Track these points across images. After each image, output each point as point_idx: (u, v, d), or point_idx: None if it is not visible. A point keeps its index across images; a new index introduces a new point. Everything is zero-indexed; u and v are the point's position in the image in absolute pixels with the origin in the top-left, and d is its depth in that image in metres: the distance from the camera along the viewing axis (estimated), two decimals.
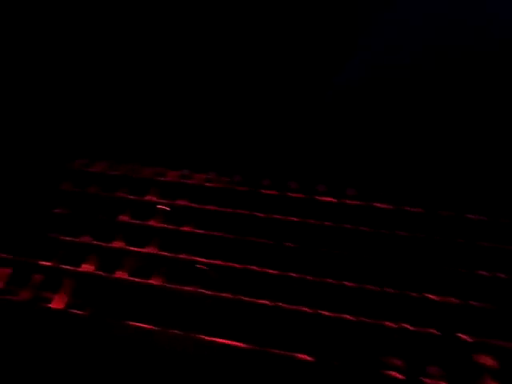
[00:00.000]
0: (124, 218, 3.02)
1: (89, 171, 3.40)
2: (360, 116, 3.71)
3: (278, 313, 2.43)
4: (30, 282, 2.68)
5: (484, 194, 3.04)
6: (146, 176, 3.31)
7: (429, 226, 2.84)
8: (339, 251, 2.71)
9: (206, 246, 2.80)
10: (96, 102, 4.13)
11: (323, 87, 3.89)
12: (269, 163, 3.40)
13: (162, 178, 3.29)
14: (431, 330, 2.32)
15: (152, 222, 2.97)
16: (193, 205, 3.09)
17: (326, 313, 2.41)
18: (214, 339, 2.35)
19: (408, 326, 2.34)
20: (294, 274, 2.57)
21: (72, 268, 2.71)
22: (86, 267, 2.71)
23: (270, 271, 2.61)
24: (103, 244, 2.83)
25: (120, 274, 2.66)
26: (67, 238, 2.87)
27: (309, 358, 2.26)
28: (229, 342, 2.34)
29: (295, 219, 2.91)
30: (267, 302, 2.46)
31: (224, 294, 2.50)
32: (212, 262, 2.68)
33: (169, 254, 2.75)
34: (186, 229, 2.91)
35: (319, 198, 3.03)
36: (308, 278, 2.55)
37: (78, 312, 2.52)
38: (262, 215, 2.95)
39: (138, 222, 2.98)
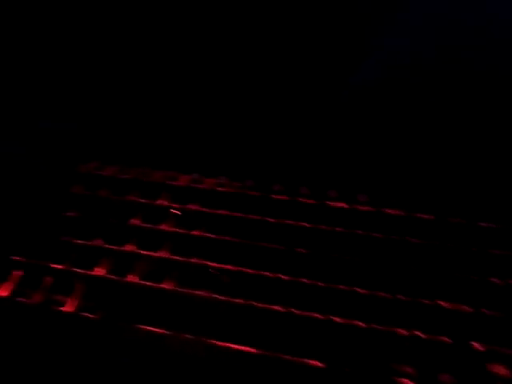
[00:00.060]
0: (135, 221, 3.02)
1: (100, 174, 3.41)
2: (374, 118, 3.70)
3: (290, 319, 2.43)
4: (41, 285, 2.69)
5: (496, 202, 3.03)
6: (157, 180, 3.31)
7: (440, 233, 2.84)
8: (351, 257, 2.70)
9: (217, 251, 2.81)
10: (108, 105, 4.14)
11: (339, 87, 3.88)
12: (280, 168, 3.40)
13: (173, 182, 3.30)
14: (443, 338, 2.31)
15: (163, 226, 2.98)
16: (204, 209, 3.10)
17: (338, 319, 2.41)
18: (225, 344, 2.35)
19: (420, 334, 2.33)
20: (306, 280, 2.57)
21: (84, 271, 2.72)
22: (98, 271, 2.72)
23: (283, 277, 2.60)
24: (115, 247, 2.84)
25: (132, 278, 2.67)
26: (79, 241, 2.88)
27: (320, 365, 2.26)
28: (240, 347, 2.34)
29: (307, 225, 2.90)
30: (279, 308, 2.46)
31: (236, 300, 2.50)
32: (224, 266, 2.68)
33: (180, 259, 2.75)
34: (197, 233, 2.91)
35: (330, 204, 3.03)
36: (320, 284, 2.55)
37: (90, 315, 2.53)
38: (273, 220, 2.95)
39: (149, 225, 2.98)
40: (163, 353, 2.37)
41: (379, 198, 3.08)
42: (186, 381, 2.28)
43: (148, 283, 2.64)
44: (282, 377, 2.25)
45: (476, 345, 2.29)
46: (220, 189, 3.23)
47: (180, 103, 4.08)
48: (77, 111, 4.11)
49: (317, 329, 2.39)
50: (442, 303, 2.48)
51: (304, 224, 2.91)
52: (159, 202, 3.16)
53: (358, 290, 2.52)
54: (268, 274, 2.63)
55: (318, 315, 2.43)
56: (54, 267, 2.75)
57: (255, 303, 2.49)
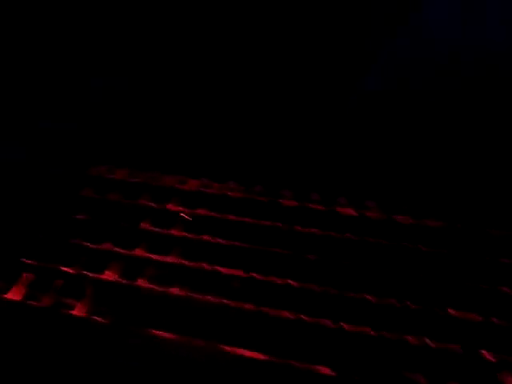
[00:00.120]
0: (145, 225, 3.03)
1: (109, 178, 3.42)
2: (382, 124, 3.70)
3: (300, 325, 2.43)
4: (52, 288, 2.70)
5: (507, 210, 3.03)
6: (166, 184, 3.32)
7: (450, 241, 2.83)
8: (360, 264, 2.70)
9: (227, 256, 2.81)
10: (118, 109, 4.15)
11: (347, 93, 3.88)
12: (289, 173, 3.40)
13: (183, 187, 3.30)
14: (453, 347, 2.31)
15: (173, 231, 2.99)
16: (213, 214, 3.10)
17: (348, 326, 2.41)
18: (235, 350, 2.36)
19: (430, 342, 2.33)
20: (316, 287, 2.57)
21: (94, 275, 2.73)
22: (108, 274, 2.73)
23: (292, 283, 2.61)
24: (125, 251, 2.85)
25: (142, 282, 2.68)
26: (89, 245, 2.89)
27: (330, 372, 2.26)
28: (250, 353, 2.34)
29: (316, 231, 2.91)
30: (289, 314, 2.46)
31: (246, 305, 2.51)
32: (234, 272, 2.68)
33: (190, 263, 2.76)
34: (207, 238, 2.92)
35: (340, 210, 3.03)
36: (330, 290, 2.55)
37: (100, 319, 2.53)
38: (282, 226, 2.96)
39: (159, 230, 2.99)
40: (172, 357, 2.38)
41: (389, 204, 3.08)
42: None
43: (158, 288, 2.64)
44: (292, 383, 2.25)
45: (486, 354, 2.29)
46: (229, 193, 3.23)
47: (191, 108, 4.08)
48: (86, 115, 4.12)
49: (327, 336, 2.39)
50: (451, 311, 2.48)
51: (314, 230, 2.91)
52: (169, 206, 3.16)
53: (368, 297, 2.52)
54: (278, 280, 2.64)
55: (327, 322, 2.43)
56: (64, 270, 2.76)
57: (265, 309, 2.49)
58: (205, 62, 4.32)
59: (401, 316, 2.48)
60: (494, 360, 2.26)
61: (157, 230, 2.99)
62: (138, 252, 2.85)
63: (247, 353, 2.35)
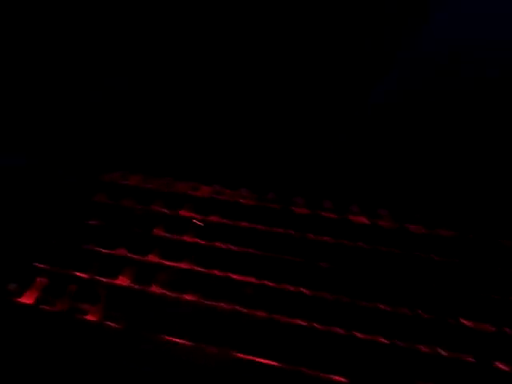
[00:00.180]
0: (158, 231, 3.05)
1: (122, 184, 3.45)
2: (396, 132, 3.71)
3: (312, 333, 2.44)
4: (66, 293, 2.72)
5: None
6: (179, 190, 3.35)
7: (463, 251, 2.84)
8: (373, 273, 2.71)
9: (239, 263, 2.83)
10: (131, 116, 4.19)
11: (361, 99, 3.90)
12: (302, 180, 3.42)
13: (196, 193, 3.33)
14: (466, 356, 2.31)
15: (186, 237, 3.01)
16: (225, 221, 3.12)
17: (360, 335, 2.41)
18: (247, 357, 2.37)
19: (442, 351, 2.33)
20: (328, 295, 2.58)
21: (107, 280, 2.75)
22: (122, 280, 2.75)
23: (305, 291, 2.62)
24: (138, 257, 2.87)
25: (155, 288, 2.69)
26: (103, 250, 2.92)
27: (342, 380, 2.26)
28: (263, 360, 2.35)
29: (328, 239, 2.92)
30: (302, 322, 2.47)
31: (258, 312, 2.52)
32: (246, 279, 2.70)
33: (203, 270, 2.77)
34: (219, 245, 2.93)
35: (352, 219, 3.04)
36: (342, 299, 2.56)
37: (113, 324, 2.55)
38: (294, 233, 2.97)
39: (172, 236, 3.01)
40: (185, 363, 2.39)
41: (401, 213, 3.09)
42: None
43: (172, 294, 2.66)
44: None
45: (499, 364, 2.29)
46: (241, 200, 3.25)
47: (204, 116, 4.11)
48: (100, 121, 4.16)
49: (339, 344, 2.40)
50: (464, 321, 2.48)
51: (326, 238, 2.92)
52: (182, 212, 3.19)
53: (381, 306, 2.53)
54: (290, 287, 2.65)
55: (340, 330, 2.44)
56: (77, 275, 2.79)
57: (278, 316, 2.50)
58: (219, 68, 4.35)
59: (413, 325, 2.49)
60: (507, 369, 2.26)
61: (170, 236, 3.02)
62: (151, 258, 2.87)
63: (259, 359, 2.36)
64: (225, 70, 4.35)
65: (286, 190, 3.35)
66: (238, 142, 3.84)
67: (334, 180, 3.41)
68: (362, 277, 2.70)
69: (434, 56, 4.11)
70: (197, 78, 4.37)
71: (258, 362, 2.35)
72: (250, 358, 2.37)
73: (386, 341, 2.38)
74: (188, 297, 2.64)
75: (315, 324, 2.46)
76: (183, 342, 2.46)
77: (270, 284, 2.66)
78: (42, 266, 2.87)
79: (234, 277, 2.73)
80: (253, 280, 2.69)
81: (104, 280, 2.75)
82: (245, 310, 2.54)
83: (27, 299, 2.71)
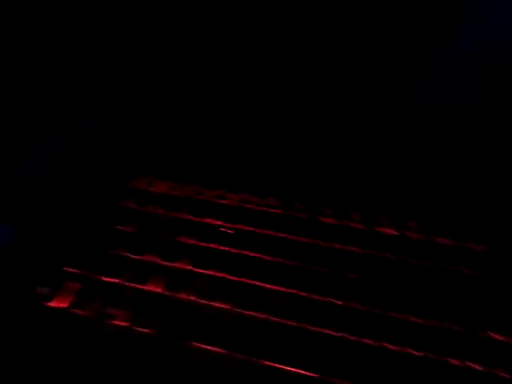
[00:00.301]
0: (185, 239, 3.07)
1: (151, 190, 3.47)
2: (425, 137, 3.69)
3: (342, 343, 2.44)
4: (97, 298, 2.74)
5: None
6: (207, 198, 3.37)
7: (494, 265, 2.83)
8: (401, 284, 2.71)
9: (269, 272, 2.83)
10: (160, 124, 4.22)
11: (390, 102, 3.88)
12: (328, 191, 3.42)
13: (223, 201, 3.34)
14: (498, 371, 2.30)
15: (213, 245, 3.02)
16: (251, 229, 3.13)
17: (390, 346, 2.41)
18: (276, 365, 2.37)
19: (474, 365, 2.33)
20: (359, 306, 2.58)
21: (137, 285, 2.77)
22: (152, 286, 2.77)
23: (334, 301, 2.62)
24: (167, 263, 2.89)
25: (184, 295, 2.71)
26: (133, 256, 2.94)
27: None
28: (290, 368, 2.35)
29: (356, 249, 2.92)
30: (331, 332, 2.47)
31: (289, 321, 2.53)
32: (276, 288, 2.71)
33: (233, 278, 2.79)
34: (247, 253, 2.95)
35: (380, 230, 3.04)
36: (372, 310, 2.56)
37: (143, 330, 2.57)
38: (322, 244, 2.98)
39: (199, 243, 3.03)
40: (213, 370, 2.40)
41: (429, 225, 3.08)
42: None
43: (199, 300, 2.68)
44: None
45: None
46: (268, 209, 3.26)
47: (234, 125, 4.13)
48: (131, 129, 4.19)
49: (369, 355, 2.40)
50: (493, 335, 2.47)
51: (354, 249, 2.93)
52: (209, 220, 3.20)
53: (411, 318, 2.53)
54: (319, 297, 2.65)
55: (369, 341, 2.44)
56: (109, 281, 2.81)
57: (307, 326, 2.51)
58: (237, 76, 4.37)
59: (443, 338, 2.48)
60: None
61: (197, 243, 3.03)
62: (180, 265, 2.89)
63: (288, 368, 2.36)
64: (250, 81, 4.37)
65: (312, 200, 3.36)
66: (266, 151, 3.85)
67: (360, 191, 3.41)
68: (391, 288, 2.70)
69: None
70: (222, 91, 4.40)
71: (286, 371, 2.35)
72: (278, 366, 2.38)
73: (416, 353, 2.38)
74: (217, 304, 2.66)
75: (344, 334, 2.46)
76: (212, 348, 2.47)
77: (301, 293, 2.67)
78: (72, 270, 2.90)
79: (264, 285, 2.73)
80: (283, 289, 2.70)
81: (133, 285, 2.77)
82: (275, 319, 2.54)
83: (58, 303, 2.74)
